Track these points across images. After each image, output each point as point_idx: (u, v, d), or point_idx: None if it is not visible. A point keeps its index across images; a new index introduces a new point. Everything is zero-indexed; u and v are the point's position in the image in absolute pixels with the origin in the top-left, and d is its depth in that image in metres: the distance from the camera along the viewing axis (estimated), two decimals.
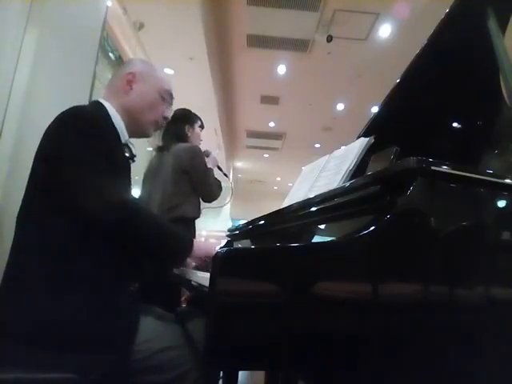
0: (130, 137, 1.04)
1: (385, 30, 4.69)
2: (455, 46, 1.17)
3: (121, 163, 0.96)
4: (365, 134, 1.07)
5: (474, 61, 1.17)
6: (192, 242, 0.93)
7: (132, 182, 1.03)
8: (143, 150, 3.69)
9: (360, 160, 0.97)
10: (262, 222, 1.19)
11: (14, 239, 0.85)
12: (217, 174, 2.18)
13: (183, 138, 2.09)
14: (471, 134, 1.26)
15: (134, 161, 1.05)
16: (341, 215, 0.80)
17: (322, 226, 0.87)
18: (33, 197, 0.86)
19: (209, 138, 6.24)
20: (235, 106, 7.34)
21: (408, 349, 0.57)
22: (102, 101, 1.00)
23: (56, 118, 0.89)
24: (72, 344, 0.75)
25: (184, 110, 2.19)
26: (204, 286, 0.78)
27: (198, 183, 1.99)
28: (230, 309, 0.55)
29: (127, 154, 1.02)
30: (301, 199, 0.97)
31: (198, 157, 2.00)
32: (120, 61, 3.66)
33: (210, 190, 2.04)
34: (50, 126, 0.89)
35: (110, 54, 3.64)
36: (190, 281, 0.95)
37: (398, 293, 0.59)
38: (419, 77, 1.26)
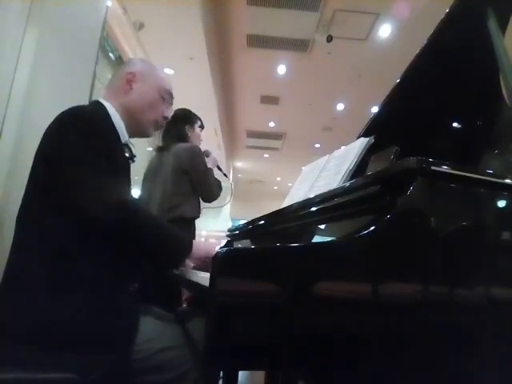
0: (130, 137, 1.04)
1: (385, 30, 4.69)
2: (455, 46, 1.17)
3: (121, 163, 0.96)
4: (365, 134, 1.07)
5: (474, 61, 1.17)
6: (191, 242, 0.93)
7: (132, 182, 1.03)
8: (143, 150, 3.69)
9: (360, 160, 0.97)
10: (262, 222, 1.19)
11: (13, 239, 0.85)
12: (217, 174, 2.18)
13: (183, 138, 2.09)
14: (471, 134, 1.26)
15: (133, 161, 1.05)
16: (341, 215, 0.80)
17: (322, 226, 0.87)
18: (33, 196, 0.86)
19: (209, 138, 6.24)
20: (235, 106, 7.34)
21: (408, 349, 0.57)
22: (102, 101, 0.99)
23: (56, 118, 0.89)
24: (72, 344, 0.75)
25: (184, 110, 2.19)
26: (204, 286, 0.78)
27: (198, 183, 1.99)
28: (230, 309, 0.55)
29: (127, 154, 1.02)
30: (301, 199, 0.97)
31: (198, 157, 2.00)
32: (120, 61, 3.66)
33: (210, 190, 2.04)
34: (49, 126, 0.89)
35: (110, 54, 3.64)
36: (190, 281, 0.95)
37: (397, 293, 0.59)
38: (419, 77, 1.26)
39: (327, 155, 1.16)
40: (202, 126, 2.24)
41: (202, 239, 7.02)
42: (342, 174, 0.96)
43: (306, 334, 0.55)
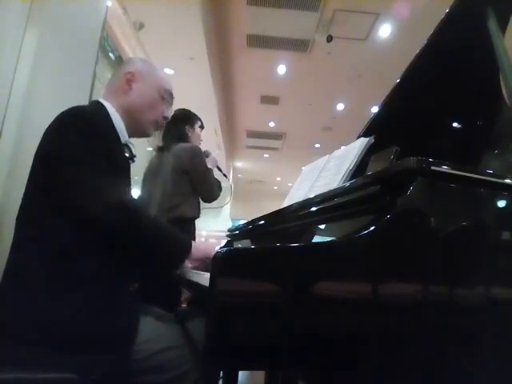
0: (130, 136, 1.03)
1: (385, 30, 4.69)
2: (455, 46, 1.17)
3: (120, 163, 0.96)
4: (365, 134, 1.07)
5: (474, 61, 1.17)
6: (190, 244, 0.92)
7: (132, 182, 1.03)
8: (143, 150, 3.69)
9: (360, 160, 0.97)
10: (262, 222, 1.19)
11: (13, 239, 0.85)
12: (216, 174, 2.18)
13: (184, 138, 2.09)
14: (471, 134, 1.26)
15: (133, 161, 1.05)
16: (341, 215, 0.80)
17: (322, 226, 0.87)
18: (32, 196, 0.86)
19: (209, 138, 6.24)
20: (235, 106, 7.34)
21: (408, 349, 0.57)
22: (101, 100, 0.99)
23: (56, 118, 0.89)
24: (72, 344, 0.75)
25: (184, 110, 2.19)
26: (204, 286, 0.78)
27: (198, 183, 1.99)
28: (230, 309, 0.55)
29: (127, 154, 1.01)
30: (301, 199, 0.97)
31: (198, 157, 2.00)
32: (120, 61, 3.66)
33: (210, 190, 2.04)
34: (49, 126, 0.89)
35: (110, 54, 3.64)
36: (190, 281, 0.95)
37: (397, 293, 0.59)
38: (419, 77, 1.26)
39: (327, 155, 1.16)
40: (202, 127, 2.24)
41: (202, 239, 7.02)
42: (342, 174, 0.96)
43: (306, 334, 0.55)
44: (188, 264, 0.96)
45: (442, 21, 1.18)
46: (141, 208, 0.92)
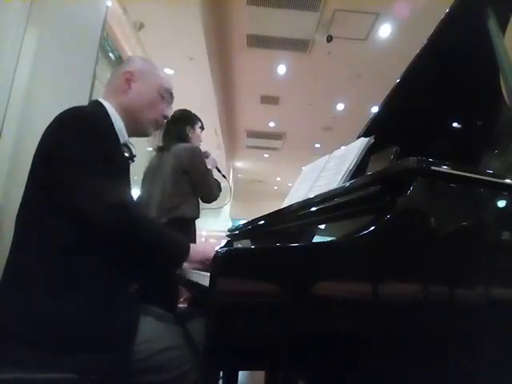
0: (130, 136, 1.03)
1: (385, 30, 4.69)
2: (455, 46, 1.17)
3: (120, 163, 0.96)
4: (365, 134, 1.07)
5: (473, 61, 1.17)
6: (188, 246, 0.91)
7: (132, 182, 1.03)
8: (143, 150, 3.69)
9: (360, 160, 0.97)
10: (262, 222, 1.19)
11: (13, 238, 0.85)
12: (216, 175, 2.18)
13: (184, 138, 2.09)
14: (471, 134, 1.26)
15: (133, 161, 1.05)
16: (341, 215, 0.80)
17: (322, 226, 0.87)
18: (32, 195, 0.86)
19: (209, 138, 6.23)
20: (235, 106, 7.34)
21: (408, 349, 0.57)
22: (101, 100, 0.99)
23: (55, 118, 0.88)
24: (72, 344, 0.75)
25: (185, 110, 2.20)
26: (204, 286, 0.78)
27: (198, 183, 1.99)
28: (230, 309, 0.55)
29: (127, 154, 1.01)
30: (301, 199, 0.97)
31: (198, 157, 2.00)
32: (120, 61, 3.65)
33: (209, 191, 2.04)
34: (49, 125, 0.89)
35: (110, 54, 3.64)
36: (190, 281, 0.95)
37: (397, 293, 0.59)
38: (419, 77, 1.26)
39: (327, 155, 1.16)
40: (202, 127, 2.24)
41: (203, 239, 7.02)
42: (342, 174, 0.96)
43: (306, 334, 0.55)
44: (188, 266, 0.96)
45: (442, 21, 1.18)
46: (139, 209, 0.92)
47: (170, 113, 1.12)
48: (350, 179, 0.93)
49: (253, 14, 4.44)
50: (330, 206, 0.82)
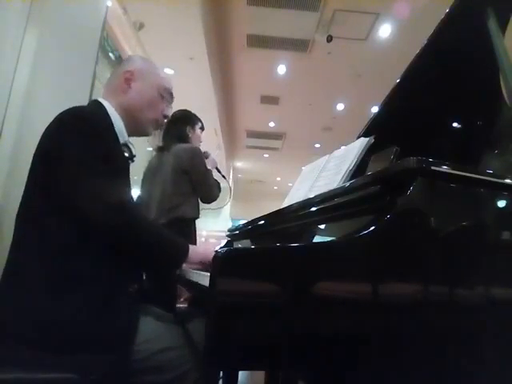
0: (130, 136, 1.03)
1: (385, 30, 4.69)
2: (455, 46, 1.17)
3: (120, 163, 0.96)
4: (365, 134, 1.07)
5: (474, 61, 1.17)
6: (187, 247, 0.91)
7: (132, 182, 1.03)
8: (143, 150, 3.69)
9: (360, 160, 0.97)
10: (262, 222, 1.19)
11: (13, 238, 0.85)
12: (216, 175, 2.18)
13: (184, 138, 2.09)
14: (471, 134, 1.26)
15: (133, 161, 1.04)
16: (341, 215, 0.80)
17: (322, 226, 0.87)
18: (32, 195, 0.86)
19: (209, 138, 6.23)
20: (235, 106, 7.34)
21: (408, 349, 0.57)
22: (101, 100, 0.99)
23: (55, 118, 0.88)
24: (72, 344, 0.75)
25: (185, 111, 2.20)
26: (204, 286, 0.78)
27: (198, 183, 1.99)
28: (230, 309, 0.55)
29: (127, 154, 1.01)
30: (301, 199, 0.97)
31: (198, 157, 2.00)
32: (120, 61, 3.65)
33: (209, 191, 2.04)
34: (49, 125, 0.88)
35: (110, 54, 3.64)
36: (190, 281, 0.95)
37: (398, 293, 0.59)
38: (419, 77, 1.26)
39: (327, 155, 1.16)
40: (202, 128, 2.24)
41: (203, 239, 7.02)
42: (342, 174, 0.96)
43: (306, 334, 0.55)
44: (187, 267, 0.96)
45: (442, 21, 1.18)
46: (139, 209, 0.91)
47: (169, 112, 1.12)
48: (350, 179, 0.93)
49: (253, 14, 4.44)
50: (330, 206, 0.82)
